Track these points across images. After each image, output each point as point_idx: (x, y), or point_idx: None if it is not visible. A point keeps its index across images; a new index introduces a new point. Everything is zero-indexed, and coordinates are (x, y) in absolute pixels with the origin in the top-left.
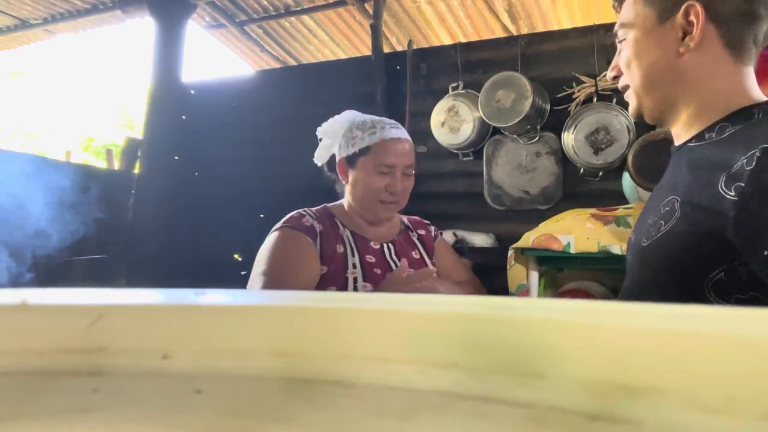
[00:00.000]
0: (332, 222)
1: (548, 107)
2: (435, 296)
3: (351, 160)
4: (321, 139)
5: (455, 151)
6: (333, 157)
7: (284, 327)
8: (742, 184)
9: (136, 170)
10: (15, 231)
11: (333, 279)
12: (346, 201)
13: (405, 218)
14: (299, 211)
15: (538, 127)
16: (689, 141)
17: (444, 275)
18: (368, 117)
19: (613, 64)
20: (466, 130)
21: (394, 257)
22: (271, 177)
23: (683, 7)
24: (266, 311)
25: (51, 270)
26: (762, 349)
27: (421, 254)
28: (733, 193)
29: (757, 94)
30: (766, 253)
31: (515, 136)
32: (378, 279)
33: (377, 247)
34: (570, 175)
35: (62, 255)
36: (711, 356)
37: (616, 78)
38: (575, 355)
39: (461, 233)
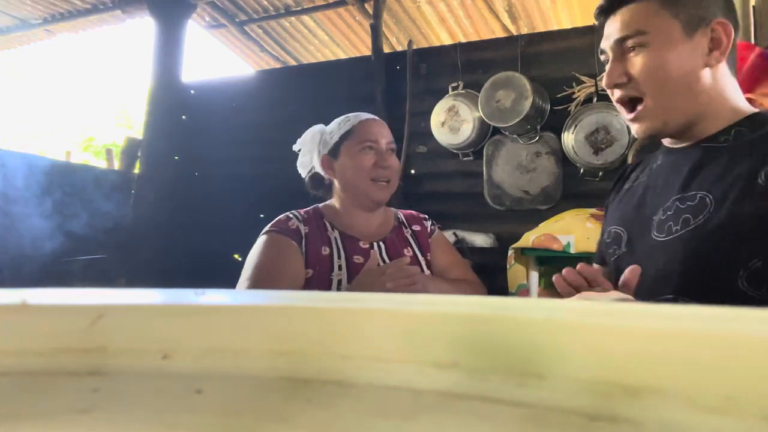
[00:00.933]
0: (320, 223)
1: (548, 107)
2: (435, 296)
3: (333, 152)
4: (299, 150)
5: (455, 151)
6: (315, 172)
7: (284, 327)
8: None
9: (136, 170)
10: (15, 231)
11: (318, 281)
12: (336, 198)
13: (401, 213)
14: (287, 213)
15: (538, 127)
16: (701, 142)
17: (439, 272)
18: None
19: (620, 70)
20: (466, 130)
21: (385, 257)
22: (270, 177)
23: (713, 23)
24: (266, 311)
25: (51, 270)
26: (762, 349)
27: (414, 251)
28: None
29: (744, 101)
30: None
31: (515, 136)
32: None
33: (366, 246)
34: (570, 175)
35: (62, 255)
36: (711, 356)
37: (617, 86)
38: (575, 355)
39: (461, 233)
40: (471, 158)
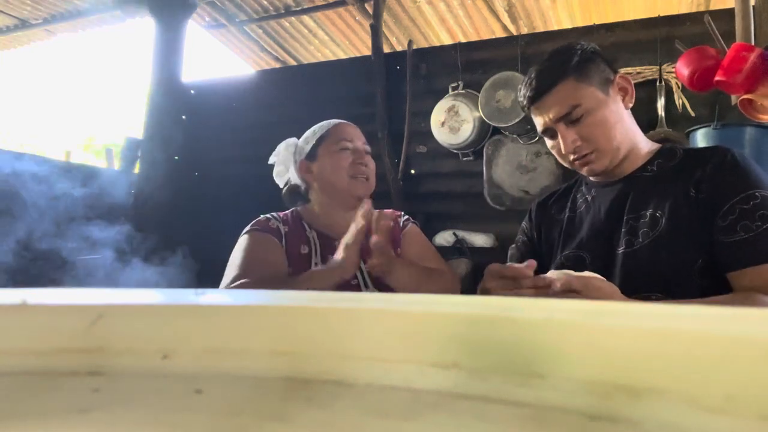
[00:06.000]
0: (299, 224)
1: None
2: (435, 296)
3: (311, 155)
4: (274, 162)
5: (455, 151)
6: (292, 184)
7: (284, 327)
8: (706, 184)
9: (136, 170)
10: (15, 231)
11: None
12: (315, 200)
13: (376, 212)
14: (266, 215)
15: None
16: (634, 173)
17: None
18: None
19: (572, 138)
20: (466, 130)
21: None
22: (270, 177)
23: (616, 79)
24: (266, 311)
25: (51, 270)
26: (762, 349)
27: None
28: (704, 194)
29: (644, 136)
30: (721, 212)
31: (515, 136)
32: None
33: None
34: (570, 175)
35: (62, 255)
36: (711, 356)
37: (575, 150)
38: (575, 356)
39: (461, 233)
40: (471, 158)
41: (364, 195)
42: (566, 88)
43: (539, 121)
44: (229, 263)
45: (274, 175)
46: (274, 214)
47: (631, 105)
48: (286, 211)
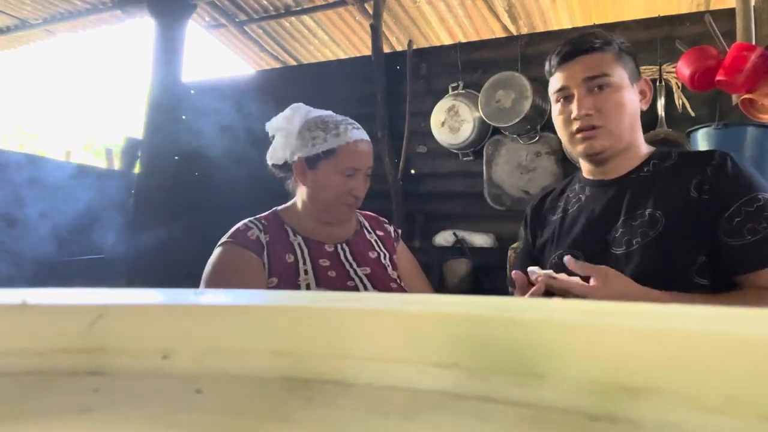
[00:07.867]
0: (281, 229)
1: (548, 107)
2: (435, 296)
3: (312, 162)
4: (273, 136)
5: (455, 151)
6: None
7: (284, 327)
8: (708, 186)
9: (136, 170)
10: (15, 231)
11: (284, 289)
12: (299, 202)
13: (361, 216)
14: (246, 222)
15: (538, 127)
16: (630, 173)
17: (403, 277)
18: (325, 114)
19: (589, 104)
20: (466, 130)
21: (350, 258)
22: (270, 177)
23: (641, 80)
24: (266, 311)
25: (51, 270)
26: (762, 349)
27: (379, 254)
28: (707, 196)
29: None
30: (726, 214)
31: (515, 136)
32: (332, 282)
33: (331, 249)
34: (570, 175)
35: (62, 255)
36: (711, 356)
37: (587, 116)
38: (575, 356)
39: (461, 233)
40: (471, 158)
41: (346, 221)
42: (603, 57)
43: (561, 81)
44: (202, 279)
45: (268, 157)
46: (254, 220)
47: (645, 108)
48: (266, 214)
